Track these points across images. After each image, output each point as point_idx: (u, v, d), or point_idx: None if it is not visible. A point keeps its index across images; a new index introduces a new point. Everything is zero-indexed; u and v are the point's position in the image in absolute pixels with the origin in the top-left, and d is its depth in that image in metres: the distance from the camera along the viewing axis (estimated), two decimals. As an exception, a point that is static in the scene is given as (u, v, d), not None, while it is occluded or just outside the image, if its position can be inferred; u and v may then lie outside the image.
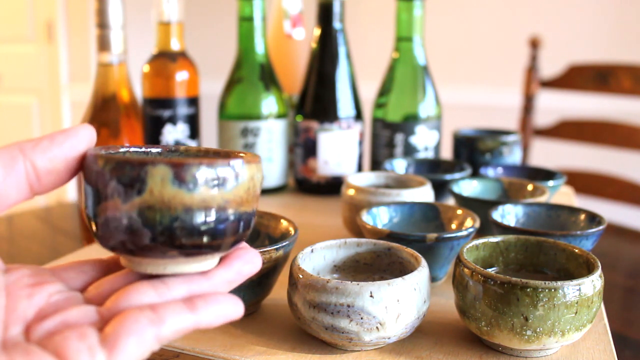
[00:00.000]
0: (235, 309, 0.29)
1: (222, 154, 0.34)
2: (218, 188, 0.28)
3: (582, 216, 0.54)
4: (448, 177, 0.71)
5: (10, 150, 0.28)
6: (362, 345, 0.40)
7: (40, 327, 0.27)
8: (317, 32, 0.85)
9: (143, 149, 0.34)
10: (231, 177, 0.29)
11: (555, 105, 1.83)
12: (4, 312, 0.27)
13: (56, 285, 0.29)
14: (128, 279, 0.30)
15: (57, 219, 0.93)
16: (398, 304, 0.38)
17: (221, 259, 0.31)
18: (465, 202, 0.62)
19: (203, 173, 0.28)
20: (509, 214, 0.56)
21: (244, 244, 0.32)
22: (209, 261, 0.30)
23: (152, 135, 0.79)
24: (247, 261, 0.31)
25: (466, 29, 2.16)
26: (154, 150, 0.35)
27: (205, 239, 0.29)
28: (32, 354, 0.25)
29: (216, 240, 0.29)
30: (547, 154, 1.83)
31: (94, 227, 0.29)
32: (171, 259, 0.29)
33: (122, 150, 0.33)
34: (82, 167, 0.29)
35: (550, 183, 0.69)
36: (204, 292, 0.29)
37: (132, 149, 0.33)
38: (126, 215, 0.28)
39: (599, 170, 1.36)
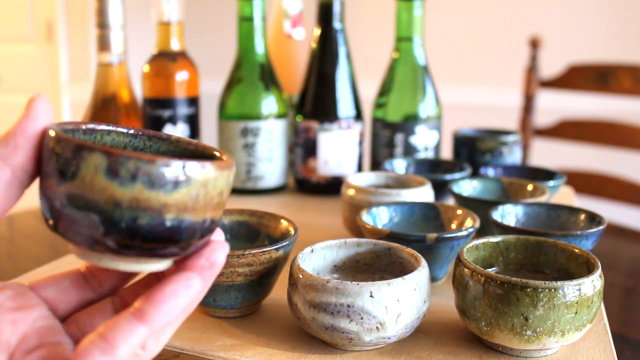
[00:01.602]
0: (190, 290, 0.27)
1: (200, 152, 0.32)
2: (156, 188, 0.26)
3: (582, 216, 0.54)
4: (448, 177, 0.71)
5: None
6: (362, 345, 0.40)
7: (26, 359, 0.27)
8: (317, 32, 0.85)
9: (125, 131, 0.32)
10: (175, 180, 0.26)
11: (555, 105, 1.83)
12: None
13: (39, 309, 0.29)
14: (106, 313, 0.31)
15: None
16: (398, 304, 0.38)
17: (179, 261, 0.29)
18: (465, 202, 0.62)
19: (141, 168, 0.25)
20: (509, 214, 0.56)
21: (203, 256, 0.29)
22: (150, 264, 0.28)
23: (152, 135, 0.79)
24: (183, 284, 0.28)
25: (466, 29, 2.16)
26: (133, 133, 0.32)
27: (135, 241, 0.26)
28: None
29: (148, 243, 0.27)
30: (547, 154, 1.83)
31: (40, 202, 0.29)
32: (102, 253, 0.27)
33: (85, 127, 0.30)
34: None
35: (550, 183, 0.69)
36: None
37: (115, 129, 0.32)
38: (57, 197, 0.26)
39: (599, 170, 1.36)
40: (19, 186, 0.28)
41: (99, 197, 0.25)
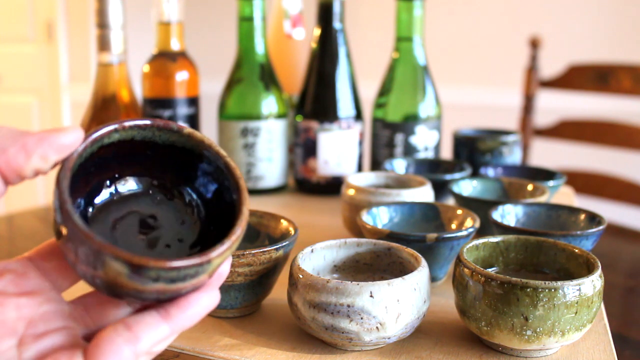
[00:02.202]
0: (210, 301, 0.30)
1: (213, 158, 0.33)
2: (177, 283, 0.28)
3: (582, 216, 0.54)
4: (448, 177, 0.71)
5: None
6: (362, 345, 0.40)
7: (33, 347, 0.27)
8: (317, 32, 0.85)
9: (132, 124, 0.31)
10: (194, 272, 0.28)
11: (555, 105, 1.83)
12: None
13: (43, 292, 0.29)
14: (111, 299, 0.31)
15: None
16: (398, 304, 0.38)
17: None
18: (465, 202, 0.62)
19: (162, 275, 0.27)
20: (509, 214, 0.56)
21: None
22: None
23: (152, 135, 0.79)
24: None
25: (466, 29, 2.16)
26: (141, 125, 0.32)
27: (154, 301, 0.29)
28: None
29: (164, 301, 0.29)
30: (547, 154, 1.83)
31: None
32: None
33: (90, 139, 0.30)
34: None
35: (550, 183, 0.69)
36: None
37: (121, 125, 0.31)
38: (80, 270, 0.28)
39: (599, 170, 1.36)
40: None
41: (123, 287, 0.27)
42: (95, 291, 0.32)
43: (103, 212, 0.32)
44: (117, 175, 0.33)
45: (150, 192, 0.34)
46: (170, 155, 0.34)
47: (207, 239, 0.33)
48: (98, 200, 0.32)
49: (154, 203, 0.34)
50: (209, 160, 0.34)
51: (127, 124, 0.31)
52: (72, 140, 0.28)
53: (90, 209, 0.32)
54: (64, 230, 0.27)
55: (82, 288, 0.34)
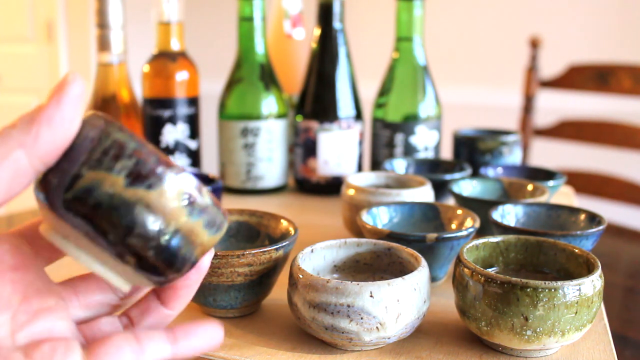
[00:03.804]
0: (214, 338, 0.30)
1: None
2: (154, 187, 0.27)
3: (582, 216, 0.54)
4: (448, 177, 0.71)
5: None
6: (362, 345, 0.40)
7: (28, 330, 0.27)
8: (317, 32, 0.85)
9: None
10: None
11: (555, 105, 1.83)
12: None
13: (35, 270, 0.29)
14: (101, 282, 0.32)
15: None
16: (398, 304, 0.38)
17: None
18: (465, 202, 0.62)
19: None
20: (509, 214, 0.56)
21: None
22: (112, 275, 0.29)
23: (152, 135, 0.79)
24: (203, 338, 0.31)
25: (466, 29, 2.16)
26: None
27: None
28: None
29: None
30: (547, 154, 1.83)
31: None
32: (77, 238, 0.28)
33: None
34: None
35: (550, 183, 0.69)
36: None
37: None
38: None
39: (599, 170, 1.36)
40: (32, 175, 0.26)
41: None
42: (83, 275, 0.32)
43: None
44: None
45: None
46: None
47: None
48: None
49: None
50: None
51: None
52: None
53: None
54: None
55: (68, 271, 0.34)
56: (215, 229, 0.29)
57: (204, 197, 0.28)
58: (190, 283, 0.31)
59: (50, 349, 0.26)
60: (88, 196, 0.26)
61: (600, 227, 0.50)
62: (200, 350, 0.30)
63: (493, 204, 0.59)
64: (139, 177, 0.26)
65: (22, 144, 0.25)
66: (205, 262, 0.31)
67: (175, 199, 0.27)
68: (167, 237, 0.27)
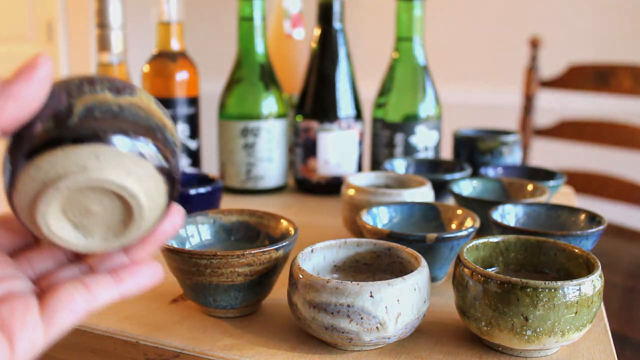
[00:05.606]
0: (156, 274, 0.33)
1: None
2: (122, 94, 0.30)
3: (582, 216, 0.54)
4: (448, 177, 0.71)
5: None
6: (362, 345, 0.40)
7: None
8: (317, 32, 0.85)
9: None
10: (130, 90, 0.31)
11: (555, 105, 1.83)
12: None
13: None
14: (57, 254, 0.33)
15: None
16: (398, 304, 0.38)
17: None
18: (465, 202, 0.62)
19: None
20: (509, 214, 0.56)
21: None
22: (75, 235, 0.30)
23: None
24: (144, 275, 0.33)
25: (466, 28, 2.16)
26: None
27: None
28: None
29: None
30: (547, 154, 1.83)
31: None
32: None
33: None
34: None
35: (550, 183, 0.69)
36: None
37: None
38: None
39: (599, 170, 1.36)
40: None
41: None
42: (36, 246, 0.33)
43: None
44: None
45: None
46: None
47: None
48: None
49: None
50: None
51: None
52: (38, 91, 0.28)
53: None
54: None
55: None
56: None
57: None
58: (159, 232, 0.32)
59: (9, 310, 0.28)
60: (93, 112, 0.28)
61: (600, 227, 0.50)
62: (144, 287, 0.32)
63: (493, 204, 0.59)
64: (119, 90, 0.30)
65: None
66: (174, 209, 0.32)
67: (151, 103, 0.31)
68: (164, 131, 0.30)
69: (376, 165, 0.87)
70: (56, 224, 0.29)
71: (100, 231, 0.30)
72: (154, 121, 0.30)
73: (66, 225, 0.30)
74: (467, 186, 0.67)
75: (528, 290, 0.37)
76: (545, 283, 0.37)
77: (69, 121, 0.28)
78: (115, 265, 0.33)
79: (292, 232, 0.47)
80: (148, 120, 0.30)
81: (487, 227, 0.58)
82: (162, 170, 0.30)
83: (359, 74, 1.01)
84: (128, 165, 0.28)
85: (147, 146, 0.29)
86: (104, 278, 0.31)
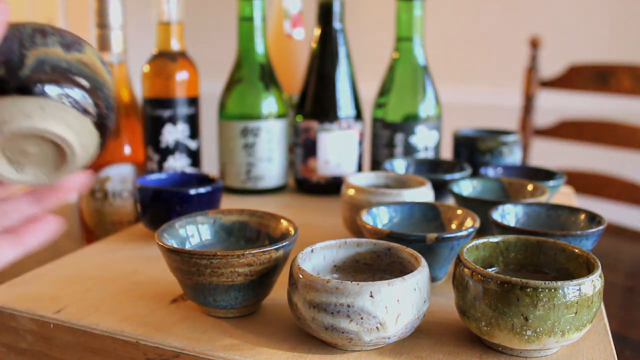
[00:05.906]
0: (55, 227, 0.35)
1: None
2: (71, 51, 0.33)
3: (582, 216, 0.54)
4: (448, 177, 0.71)
5: None
6: (362, 345, 0.40)
7: None
8: (317, 32, 0.85)
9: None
10: (80, 45, 0.34)
11: (555, 105, 1.83)
12: None
13: None
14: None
15: (57, 219, 0.92)
16: (398, 304, 0.38)
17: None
18: (465, 202, 0.62)
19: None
20: (509, 214, 0.56)
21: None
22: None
23: (152, 135, 0.79)
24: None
25: (466, 29, 2.16)
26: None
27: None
28: None
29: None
30: (547, 154, 1.83)
31: None
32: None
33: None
34: None
35: (550, 183, 0.69)
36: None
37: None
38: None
39: (599, 170, 1.36)
40: None
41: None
42: None
43: None
44: None
45: None
46: None
47: None
48: None
49: None
50: None
51: None
52: None
53: None
54: None
55: None
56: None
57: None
58: (71, 182, 0.35)
59: None
60: (43, 66, 0.31)
61: (600, 227, 0.50)
62: (44, 241, 0.35)
63: (493, 204, 0.59)
64: (69, 46, 0.33)
65: None
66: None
67: (96, 60, 0.35)
68: (105, 89, 0.34)
69: (376, 165, 0.87)
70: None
71: (33, 169, 0.34)
72: (97, 79, 0.34)
73: (1, 160, 0.33)
74: (467, 186, 0.67)
75: (528, 290, 0.37)
76: (545, 283, 0.37)
77: (20, 72, 0.31)
78: (20, 218, 0.35)
79: (292, 232, 0.47)
80: (92, 79, 0.34)
81: (487, 227, 0.58)
82: (98, 125, 0.34)
83: (359, 74, 1.01)
84: (69, 119, 0.32)
85: (88, 103, 0.33)
86: (3, 241, 0.34)
